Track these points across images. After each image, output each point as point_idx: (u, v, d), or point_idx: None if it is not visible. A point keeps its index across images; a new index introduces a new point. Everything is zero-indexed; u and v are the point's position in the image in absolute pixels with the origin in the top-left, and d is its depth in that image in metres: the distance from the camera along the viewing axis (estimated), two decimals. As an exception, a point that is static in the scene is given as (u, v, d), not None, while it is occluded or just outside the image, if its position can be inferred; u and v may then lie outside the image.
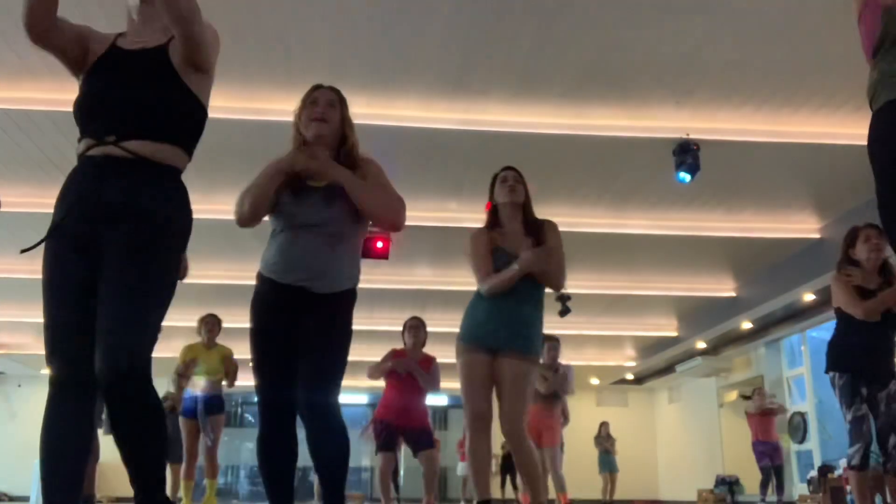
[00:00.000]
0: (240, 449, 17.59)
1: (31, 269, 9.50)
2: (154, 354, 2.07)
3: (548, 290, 3.72)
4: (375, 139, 6.04)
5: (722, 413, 14.09)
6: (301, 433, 2.72)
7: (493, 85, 5.72)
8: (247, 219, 2.78)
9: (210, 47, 2.19)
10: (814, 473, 10.11)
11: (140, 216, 2.07)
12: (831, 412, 11.12)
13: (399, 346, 6.14)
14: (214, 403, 6.42)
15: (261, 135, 5.83)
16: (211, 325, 6.49)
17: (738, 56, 5.33)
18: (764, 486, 9.37)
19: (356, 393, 16.71)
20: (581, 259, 8.63)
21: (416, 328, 6.03)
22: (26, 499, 12.84)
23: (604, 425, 13.20)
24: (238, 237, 5.96)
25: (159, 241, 2.09)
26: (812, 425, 11.16)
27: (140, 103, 2.12)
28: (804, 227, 8.31)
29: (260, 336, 2.77)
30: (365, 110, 5.80)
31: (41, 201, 7.00)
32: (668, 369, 14.57)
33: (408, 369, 5.82)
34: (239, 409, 18.24)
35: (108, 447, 4.38)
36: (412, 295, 10.04)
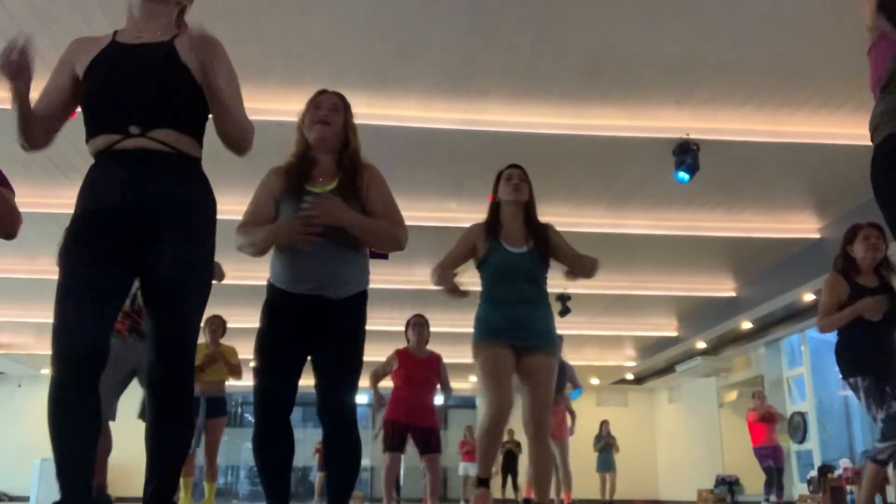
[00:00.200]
0: (240, 449, 17.59)
1: (31, 269, 9.52)
2: None
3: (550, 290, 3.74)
4: (375, 139, 6.05)
5: (722, 413, 14.09)
6: (301, 434, 2.75)
7: (493, 85, 5.72)
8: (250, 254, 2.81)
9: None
10: (814, 473, 10.11)
11: (185, 211, 2.12)
12: (831, 412, 11.14)
13: (400, 344, 6.13)
14: (217, 406, 6.41)
15: (261, 135, 5.81)
16: (215, 326, 6.49)
17: (739, 56, 5.33)
18: (769, 485, 9.38)
19: (356, 393, 16.71)
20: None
21: (419, 325, 6.01)
22: (26, 499, 12.84)
23: (604, 424, 13.21)
24: (238, 237, 5.95)
25: (206, 231, 2.18)
26: (812, 425, 11.16)
27: (156, 93, 2.13)
28: (804, 227, 8.31)
29: (269, 340, 2.77)
30: (365, 110, 5.78)
31: (41, 201, 7.02)
32: (668, 369, 14.57)
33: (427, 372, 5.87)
34: (239, 409, 18.24)
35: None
36: (412, 295, 10.04)
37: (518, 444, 12.65)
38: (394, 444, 5.82)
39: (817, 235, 8.35)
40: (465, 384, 16.23)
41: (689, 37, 5.13)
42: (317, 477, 12.59)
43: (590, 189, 7.44)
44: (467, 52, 5.32)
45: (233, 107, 2.20)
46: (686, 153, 6.14)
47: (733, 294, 10.63)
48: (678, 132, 6.18)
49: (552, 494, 7.03)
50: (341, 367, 2.76)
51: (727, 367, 13.47)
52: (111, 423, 4.38)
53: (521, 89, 5.77)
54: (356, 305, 2.80)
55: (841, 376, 4.45)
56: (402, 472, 9.28)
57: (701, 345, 12.44)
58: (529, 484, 7.45)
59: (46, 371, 12.90)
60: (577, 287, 10.05)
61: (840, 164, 6.58)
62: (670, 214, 8.02)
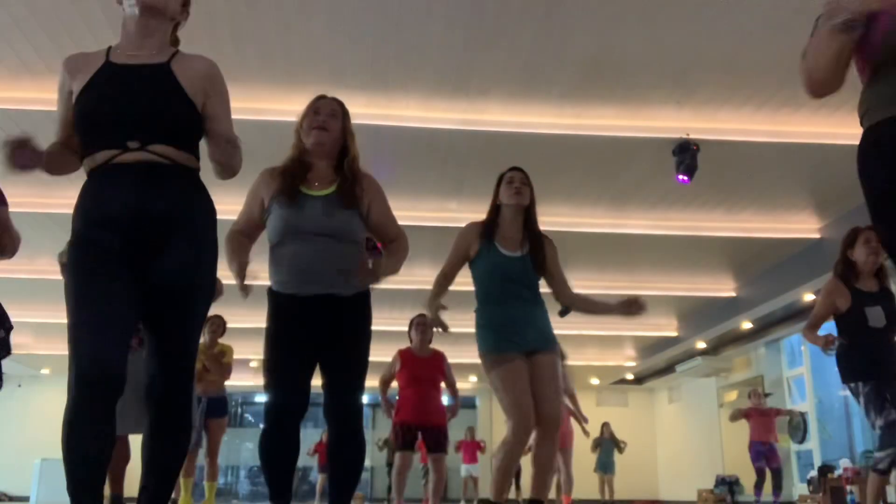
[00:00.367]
0: (240, 449, 17.60)
1: (32, 269, 9.51)
2: None
3: (546, 289, 3.74)
4: (375, 139, 6.06)
5: (722, 413, 14.07)
6: (301, 434, 2.77)
7: (493, 85, 5.72)
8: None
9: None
10: (814, 473, 10.11)
11: (191, 221, 2.14)
12: (831, 412, 11.14)
13: (402, 344, 6.13)
14: (218, 405, 6.41)
15: (261, 135, 5.83)
16: (215, 326, 6.50)
17: (739, 56, 5.33)
18: (758, 487, 9.38)
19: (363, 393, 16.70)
20: (581, 259, 8.63)
21: (423, 325, 6.01)
22: (26, 499, 12.84)
23: (605, 426, 13.18)
24: (238, 237, 5.94)
25: (206, 249, 2.20)
26: (812, 425, 11.16)
27: (153, 112, 2.13)
28: (804, 227, 8.31)
29: (282, 347, 2.78)
30: (365, 110, 5.80)
31: (41, 201, 7.02)
32: (668, 369, 14.56)
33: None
34: (239, 409, 18.25)
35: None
36: (412, 295, 10.03)
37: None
38: (404, 444, 5.83)
39: (817, 235, 8.35)
40: (466, 384, 16.22)
41: (689, 37, 5.13)
42: (318, 478, 12.60)
43: (590, 189, 7.44)
44: (467, 52, 5.32)
45: (227, 139, 2.22)
46: (685, 153, 6.14)
47: (733, 294, 10.63)
48: (678, 132, 6.17)
49: (552, 495, 7.03)
50: (350, 366, 2.78)
51: (727, 367, 13.46)
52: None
53: (521, 89, 5.77)
54: (363, 302, 2.83)
55: (841, 380, 4.43)
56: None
57: (701, 345, 12.44)
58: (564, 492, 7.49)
59: (47, 371, 12.93)
60: (577, 287, 10.01)
61: (840, 164, 6.57)
62: (670, 214, 8.02)
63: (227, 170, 2.20)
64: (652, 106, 5.98)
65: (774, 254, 9.00)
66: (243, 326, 7.78)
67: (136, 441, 3.99)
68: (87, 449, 2.00)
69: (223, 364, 6.36)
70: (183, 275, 2.10)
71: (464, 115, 6.03)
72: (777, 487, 9.19)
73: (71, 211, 2.17)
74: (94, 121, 2.13)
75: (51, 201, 6.99)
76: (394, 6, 4.86)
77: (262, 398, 15.15)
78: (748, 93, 5.80)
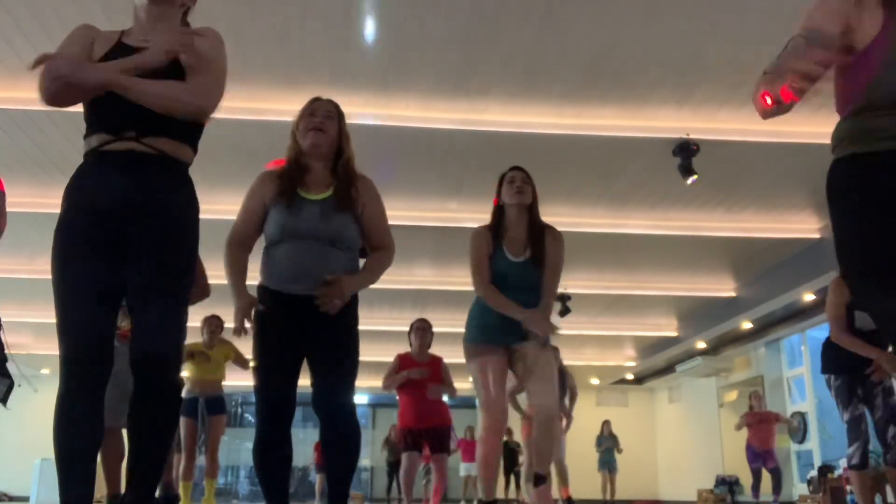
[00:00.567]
0: (240, 449, 17.60)
1: (31, 268, 9.50)
2: None
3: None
4: (375, 139, 6.06)
5: (722, 413, 14.08)
6: (296, 435, 2.77)
7: (493, 85, 5.72)
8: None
9: (216, 82, 2.19)
10: (814, 473, 10.12)
11: (167, 213, 2.13)
12: (831, 412, 11.10)
13: (401, 346, 6.14)
14: (215, 403, 6.43)
15: (261, 135, 5.84)
16: (213, 326, 6.51)
17: (739, 56, 5.32)
18: (755, 488, 9.39)
19: (356, 393, 16.69)
20: (581, 259, 8.63)
21: (422, 330, 6.03)
22: (26, 499, 12.84)
23: (606, 424, 13.21)
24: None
25: (185, 236, 2.18)
26: (812, 425, 11.16)
27: None
28: (804, 227, 8.31)
29: (267, 343, 2.78)
30: (365, 110, 5.80)
31: (41, 201, 7.01)
32: (668, 369, 14.57)
33: (436, 392, 5.88)
34: (239, 409, 18.25)
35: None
36: (412, 295, 10.04)
37: (518, 444, 12.66)
38: (410, 446, 5.87)
39: (817, 235, 8.35)
40: (466, 384, 16.20)
41: (689, 37, 5.13)
42: (317, 478, 12.61)
43: (590, 189, 7.44)
44: (467, 52, 5.32)
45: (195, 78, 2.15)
46: (686, 153, 6.15)
47: (733, 294, 10.63)
48: (678, 132, 6.18)
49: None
50: (338, 366, 2.78)
51: (727, 367, 13.47)
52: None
53: (521, 89, 5.77)
54: (349, 305, 2.81)
55: (821, 370, 4.55)
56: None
57: (701, 345, 12.44)
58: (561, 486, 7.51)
59: (47, 371, 12.93)
60: (577, 287, 10.06)
61: (840, 164, 6.57)
62: (670, 214, 8.02)
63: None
64: (652, 106, 5.98)
65: (774, 254, 9.00)
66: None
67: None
68: (75, 432, 2.04)
69: (244, 360, 6.43)
70: (159, 264, 2.10)
71: (464, 115, 6.03)
72: (776, 488, 9.20)
73: None
74: (96, 105, 2.15)
75: (51, 201, 6.97)
76: (394, 6, 4.86)
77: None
78: (748, 93, 5.78)
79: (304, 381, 2.85)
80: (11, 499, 13.41)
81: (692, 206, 7.84)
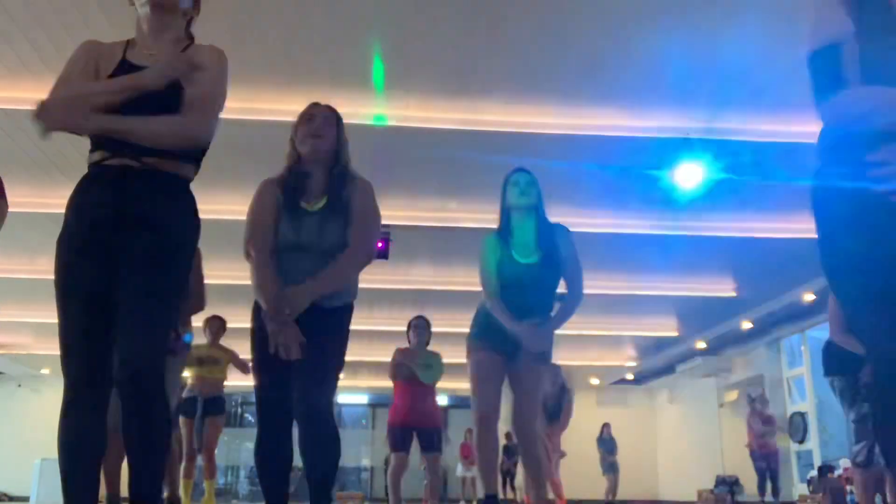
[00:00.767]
0: (240, 449, 17.60)
1: (32, 269, 9.48)
2: None
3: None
4: (376, 139, 6.06)
5: (722, 413, 14.09)
6: (297, 435, 2.77)
7: (493, 85, 5.72)
8: None
9: (211, 112, 2.21)
10: (814, 473, 10.12)
11: (158, 228, 2.13)
12: (831, 412, 11.13)
13: (402, 345, 6.14)
14: (214, 404, 6.43)
15: (261, 135, 5.83)
16: (215, 327, 6.51)
17: (739, 56, 5.33)
18: (761, 487, 9.41)
19: (356, 393, 16.71)
20: (581, 259, 8.62)
21: (420, 327, 6.03)
22: (26, 499, 12.85)
23: (606, 427, 13.20)
24: (239, 238, 5.94)
25: (176, 251, 2.17)
26: (812, 425, 11.17)
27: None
28: (804, 226, 8.28)
29: (266, 347, 2.78)
30: (365, 110, 5.80)
31: (41, 201, 7.01)
32: (668, 369, 14.57)
33: (411, 365, 5.83)
34: (239, 409, 18.25)
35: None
36: (412, 295, 10.04)
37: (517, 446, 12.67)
38: (399, 445, 5.84)
39: (818, 235, 8.34)
40: (465, 384, 16.20)
41: (689, 37, 5.13)
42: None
43: (590, 189, 7.44)
44: (467, 52, 5.32)
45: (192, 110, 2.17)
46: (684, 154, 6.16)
47: (733, 294, 10.63)
48: (678, 132, 6.17)
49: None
50: (321, 369, 2.74)
51: (727, 367, 13.47)
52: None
53: (521, 89, 5.77)
54: (343, 314, 2.82)
55: (823, 373, 4.54)
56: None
57: (701, 345, 12.45)
58: (526, 492, 7.50)
59: (46, 371, 12.84)
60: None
61: (840, 164, 6.57)
62: (670, 214, 8.02)
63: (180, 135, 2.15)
64: (652, 106, 5.98)
65: (774, 254, 9.00)
66: (245, 326, 7.78)
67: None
68: (79, 452, 2.07)
69: (243, 363, 6.42)
70: (145, 278, 2.10)
71: (464, 115, 6.02)
72: (774, 489, 9.22)
73: None
74: None
75: (51, 201, 6.98)
76: (394, 6, 4.86)
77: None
78: (748, 93, 5.80)
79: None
80: (11, 499, 13.42)
81: (692, 207, 7.84)
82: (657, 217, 8.06)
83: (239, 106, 5.63)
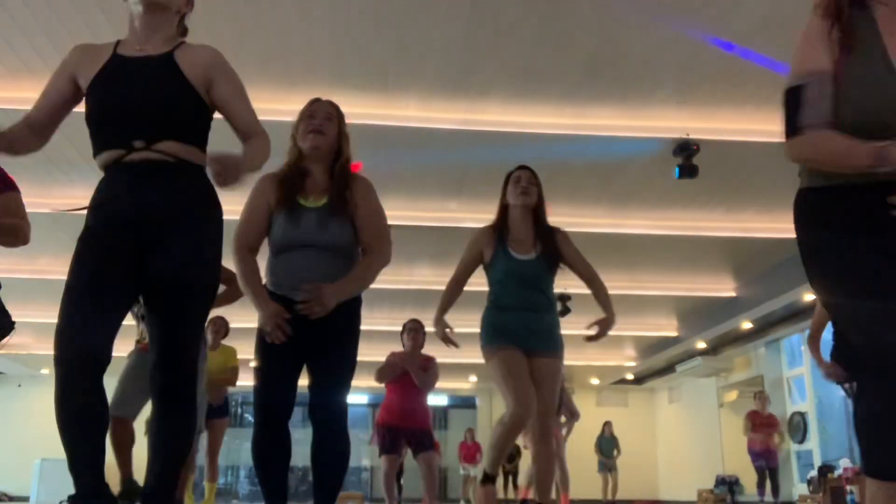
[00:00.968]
0: (240, 449, 17.59)
1: (32, 269, 9.50)
2: None
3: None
4: (375, 139, 6.06)
5: (722, 413, 14.09)
6: (296, 435, 2.79)
7: (493, 85, 5.72)
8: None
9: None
10: (814, 473, 10.11)
11: (191, 217, 2.17)
12: (831, 412, 11.13)
13: (398, 348, 6.14)
14: (218, 406, 6.41)
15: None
16: (218, 327, 6.50)
17: (739, 56, 5.32)
18: (761, 486, 9.40)
19: (356, 393, 16.72)
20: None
21: (415, 331, 6.03)
22: (26, 499, 12.85)
23: (607, 425, 13.21)
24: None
25: (210, 238, 2.21)
26: (812, 425, 11.16)
27: (158, 108, 2.16)
28: (804, 227, 8.29)
29: (268, 346, 2.78)
30: (365, 110, 5.80)
31: (41, 201, 7.00)
32: (668, 369, 14.57)
33: (408, 367, 5.82)
34: (239, 409, 18.25)
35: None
36: (412, 295, 10.03)
37: (517, 447, 12.67)
38: (388, 447, 5.83)
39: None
40: (465, 384, 16.22)
41: (689, 37, 5.13)
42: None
43: (590, 189, 7.44)
44: (467, 52, 5.32)
45: (246, 120, 2.31)
46: (686, 154, 6.15)
47: (733, 294, 10.63)
48: (678, 132, 6.17)
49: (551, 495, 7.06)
50: (336, 368, 2.79)
51: (727, 367, 13.47)
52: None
53: (521, 89, 5.77)
54: (352, 309, 2.82)
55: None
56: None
57: (701, 345, 12.44)
58: (528, 485, 7.49)
59: (46, 371, 12.87)
60: (577, 287, 10.03)
61: (840, 164, 6.57)
62: (670, 214, 8.02)
63: (225, 178, 2.15)
64: (652, 106, 5.98)
65: (774, 254, 9.00)
66: (246, 326, 7.78)
67: (139, 425, 4.05)
68: (77, 425, 2.05)
69: (230, 368, 6.38)
70: (181, 270, 2.13)
71: (464, 115, 6.03)
72: (775, 488, 9.21)
73: (71, 209, 2.22)
74: (101, 121, 2.18)
75: (51, 201, 6.98)
76: (394, 6, 4.86)
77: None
78: (748, 93, 5.80)
79: (304, 382, 2.85)
80: (11, 499, 13.42)
81: (692, 206, 7.84)
82: (657, 217, 8.06)
83: (239, 106, 5.63)
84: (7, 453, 14.86)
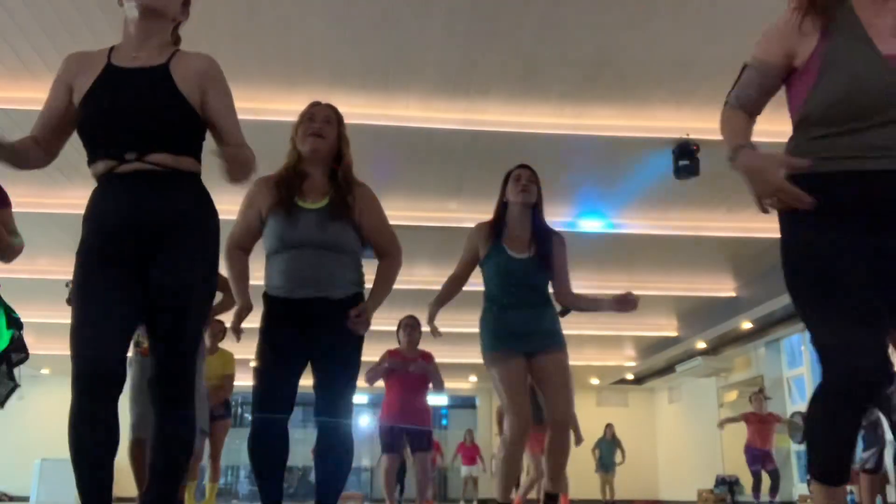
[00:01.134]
0: (240, 449, 17.54)
1: (32, 269, 9.51)
2: None
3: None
4: (375, 139, 6.06)
5: (722, 413, 14.06)
6: (296, 435, 2.80)
7: (493, 85, 5.72)
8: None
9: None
10: (814, 473, 10.08)
11: (187, 225, 2.17)
12: (831, 412, 11.12)
13: (395, 346, 6.13)
14: (219, 408, 6.41)
15: (261, 135, 5.81)
16: (216, 331, 6.49)
17: (738, 56, 5.30)
18: (756, 489, 9.40)
19: (356, 393, 16.66)
20: (581, 259, 8.62)
21: (411, 327, 6.02)
22: (26, 499, 12.85)
23: (609, 427, 13.19)
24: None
25: (205, 245, 2.22)
26: (812, 425, 11.13)
27: (151, 120, 2.15)
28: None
29: (273, 349, 2.80)
30: (365, 110, 5.80)
31: (41, 201, 7.01)
32: (668, 369, 14.56)
33: (419, 371, 5.81)
34: (239, 409, 18.24)
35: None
36: (412, 295, 10.00)
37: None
38: (390, 446, 5.83)
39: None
40: (465, 384, 16.21)
41: (689, 37, 5.13)
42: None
43: (590, 189, 7.44)
44: (467, 52, 5.32)
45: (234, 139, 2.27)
46: (686, 153, 6.15)
47: (733, 294, 10.63)
48: (678, 132, 6.17)
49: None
50: (340, 368, 2.80)
51: (727, 367, 13.46)
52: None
53: (521, 89, 5.77)
54: (355, 304, 2.83)
55: None
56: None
57: (701, 345, 12.44)
58: (523, 494, 7.47)
59: (46, 371, 12.88)
60: (577, 287, 10.01)
61: (840, 164, 6.57)
62: (670, 214, 8.02)
63: (236, 174, 2.18)
64: (652, 106, 5.98)
65: (774, 254, 8.86)
66: (245, 326, 7.78)
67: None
68: (90, 448, 2.07)
69: (226, 376, 6.38)
70: (178, 279, 2.13)
71: (464, 115, 6.02)
72: (774, 488, 9.20)
73: (70, 211, 2.23)
74: (93, 133, 2.18)
75: (51, 201, 6.99)
76: (394, 6, 4.86)
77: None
78: (748, 93, 5.79)
79: (304, 382, 2.85)
80: (11, 499, 13.42)
81: (692, 206, 7.84)
82: (657, 217, 8.06)
83: (239, 106, 5.58)
84: (7, 453, 14.85)
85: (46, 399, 13.56)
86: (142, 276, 2.14)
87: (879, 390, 1.82)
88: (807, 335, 5.29)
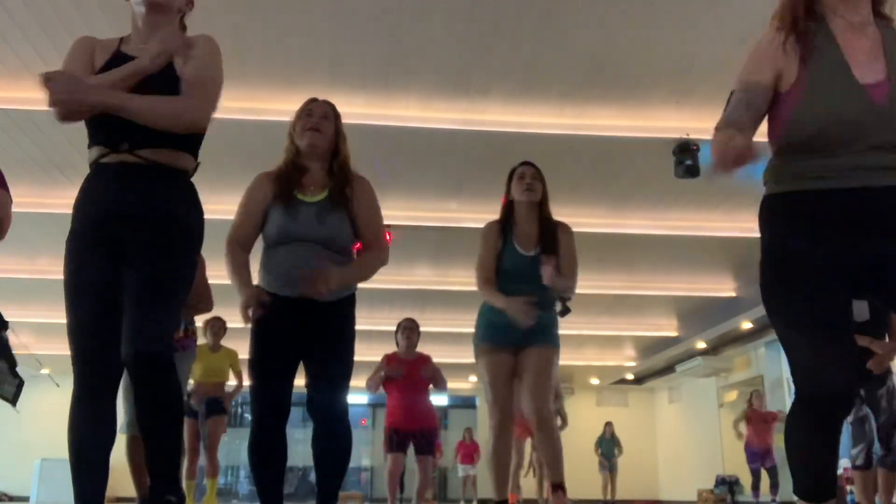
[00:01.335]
0: (240, 449, 17.57)
1: (32, 269, 9.50)
2: None
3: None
4: (375, 139, 6.06)
5: (722, 413, 14.09)
6: (296, 435, 2.80)
7: (493, 85, 5.72)
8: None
9: (208, 95, 2.21)
10: (814, 473, 10.09)
11: (160, 219, 2.16)
12: (831, 412, 11.13)
13: (394, 348, 6.14)
14: (215, 404, 6.44)
15: (261, 135, 5.84)
16: (216, 328, 6.51)
17: (739, 56, 5.30)
18: (755, 488, 9.40)
19: (356, 393, 16.66)
20: (581, 259, 8.61)
21: (409, 329, 6.03)
22: (26, 499, 12.85)
23: (608, 426, 13.21)
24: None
25: (179, 241, 2.20)
26: (812, 425, 11.14)
27: None
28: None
29: (264, 346, 2.80)
30: (365, 110, 5.80)
31: (41, 201, 7.01)
32: (668, 369, 14.57)
33: (428, 375, 5.83)
34: (239, 409, 18.25)
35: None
36: (412, 295, 10.03)
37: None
38: (395, 446, 5.85)
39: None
40: (465, 384, 16.21)
41: (689, 37, 5.13)
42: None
43: (590, 189, 7.44)
44: (467, 52, 5.32)
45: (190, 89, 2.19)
46: (686, 153, 6.15)
47: (733, 294, 10.63)
48: (678, 132, 6.17)
49: (545, 493, 7.04)
50: (333, 367, 2.81)
51: (727, 367, 13.47)
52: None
53: (521, 89, 5.77)
54: (346, 307, 2.85)
55: None
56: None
57: (701, 345, 12.45)
58: (515, 491, 7.48)
59: (46, 371, 12.93)
60: (577, 287, 10.04)
61: (840, 164, 6.57)
62: (670, 214, 8.02)
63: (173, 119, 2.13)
64: (652, 106, 5.98)
65: (774, 254, 8.99)
66: (245, 327, 7.79)
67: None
68: (85, 442, 2.11)
69: (237, 373, 6.44)
70: (151, 268, 2.13)
71: (464, 115, 6.03)
72: (774, 486, 9.21)
73: (70, 211, 2.26)
74: (94, 119, 2.19)
75: (51, 201, 6.99)
76: (394, 6, 4.86)
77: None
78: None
79: (302, 381, 2.86)
80: (11, 499, 13.41)
81: (692, 206, 7.84)
82: (657, 217, 8.06)
83: (239, 106, 5.63)
84: (7, 453, 14.86)
85: (47, 399, 13.57)
86: (120, 265, 2.16)
87: (849, 404, 1.84)
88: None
